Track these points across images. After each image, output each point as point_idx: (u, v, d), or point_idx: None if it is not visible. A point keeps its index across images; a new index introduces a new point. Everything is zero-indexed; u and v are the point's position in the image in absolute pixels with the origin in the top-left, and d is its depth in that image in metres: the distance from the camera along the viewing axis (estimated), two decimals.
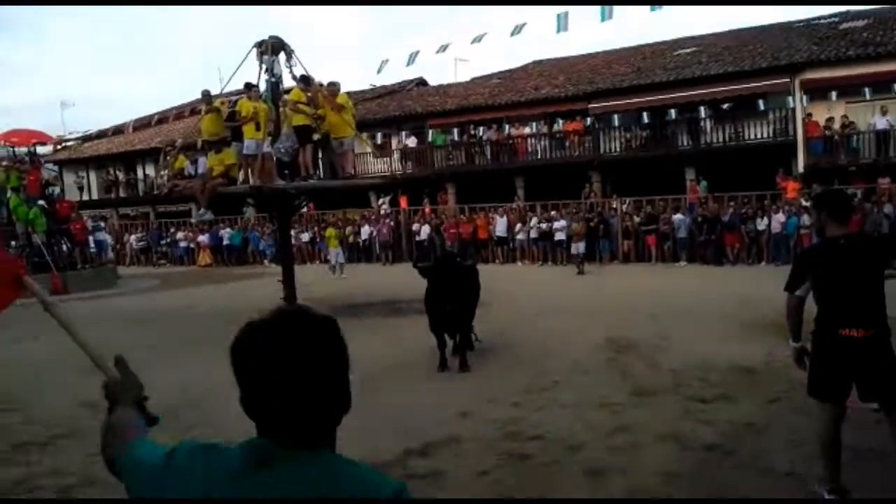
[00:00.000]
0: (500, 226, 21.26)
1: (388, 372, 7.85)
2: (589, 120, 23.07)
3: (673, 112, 22.05)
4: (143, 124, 35.25)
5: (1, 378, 8.25)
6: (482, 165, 24.70)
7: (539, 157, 23.94)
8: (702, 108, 21.56)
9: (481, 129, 25.21)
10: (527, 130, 24.34)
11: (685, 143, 21.89)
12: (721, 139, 21.44)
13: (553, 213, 20.76)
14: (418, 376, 7.64)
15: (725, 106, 21.50)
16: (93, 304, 15.12)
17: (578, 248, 18.38)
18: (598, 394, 6.52)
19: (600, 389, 6.68)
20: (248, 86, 12.10)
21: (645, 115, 22.58)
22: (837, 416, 3.86)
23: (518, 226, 20.92)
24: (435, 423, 5.83)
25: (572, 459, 4.95)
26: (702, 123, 21.73)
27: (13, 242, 20.09)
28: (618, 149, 22.91)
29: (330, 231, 21.87)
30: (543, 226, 20.26)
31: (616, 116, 22.67)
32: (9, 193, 19.82)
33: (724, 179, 19.55)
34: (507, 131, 24.77)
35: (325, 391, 1.20)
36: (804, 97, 20.15)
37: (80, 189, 33.25)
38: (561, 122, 23.89)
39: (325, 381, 1.20)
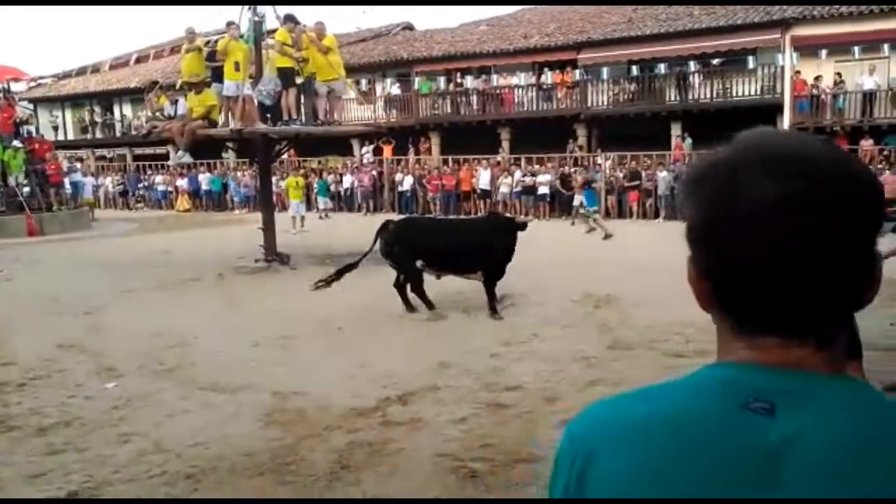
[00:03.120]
0: (483, 178, 21.13)
1: (368, 322, 7.87)
2: (578, 73, 22.78)
3: (662, 66, 21.82)
4: (120, 63, 34.24)
5: None
6: (468, 116, 24.40)
7: (525, 108, 23.68)
8: (691, 63, 21.35)
9: (468, 77, 24.81)
10: (514, 80, 24.00)
11: (673, 99, 21.74)
12: (709, 95, 21.30)
13: (537, 166, 20.64)
14: (398, 328, 7.66)
15: (715, 61, 21.30)
16: (69, 247, 14.94)
17: (582, 201, 17.74)
18: (575, 347, 6.59)
19: (578, 343, 6.75)
20: (230, 24, 11.74)
21: (634, 68, 22.33)
22: None
23: (501, 179, 20.80)
24: (414, 373, 5.87)
25: (549, 409, 5.01)
26: (690, 78, 21.55)
27: None
28: (605, 102, 22.71)
29: (290, 181, 19.34)
30: (527, 179, 20.17)
31: (605, 69, 22.40)
32: None
33: (709, 137, 19.43)
34: (494, 81, 24.42)
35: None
36: (794, 54, 20.01)
37: (55, 129, 32.43)
38: (549, 73, 23.56)
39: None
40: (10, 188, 19.17)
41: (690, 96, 21.52)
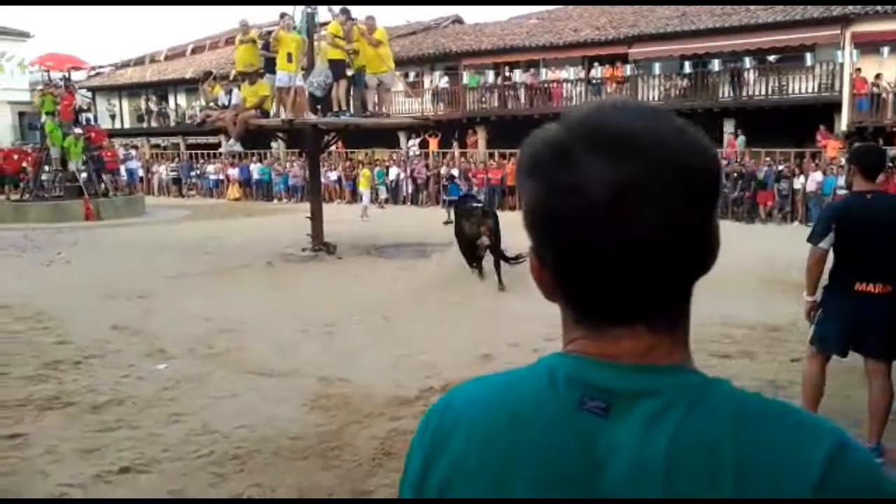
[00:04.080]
0: None
1: (412, 312, 7.92)
2: (629, 67, 22.45)
3: (716, 62, 21.34)
4: (177, 53, 35.02)
5: (36, 299, 8.47)
6: (515, 110, 24.27)
7: (574, 103, 23.44)
8: (746, 59, 20.83)
9: (517, 71, 24.67)
10: (563, 75, 23.78)
11: (726, 95, 21.26)
12: (764, 92, 20.77)
13: None
14: (443, 318, 7.67)
15: (772, 58, 20.74)
16: (123, 232, 15.36)
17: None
18: None
19: None
20: (283, 15, 11.92)
21: (686, 63, 21.90)
22: (824, 365, 4.02)
23: None
24: (456, 364, 5.88)
25: None
26: (745, 75, 21.03)
27: (47, 167, 20.42)
28: (656, 98, 22.32)
29: (365, 172, 21.74)
30: None
31: (657, 64, 22.01)
32: (44, 118, 19.99)
33: (763, 134, 19.02)
34: (543, 75, 24.23)
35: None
36: (854, 51, 19.35)
37: (112, 117, 33.40)
38: (599, 68, 23.28)
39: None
40: (68, 173, 19.85)
41: (745, 93, 20.99)
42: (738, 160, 18.93)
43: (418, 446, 0.75)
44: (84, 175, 19.89)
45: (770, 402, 0.67)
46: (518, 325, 7.21)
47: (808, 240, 3.97)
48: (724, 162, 18.79)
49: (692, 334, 0.73)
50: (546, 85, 24.04)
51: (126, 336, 6.86)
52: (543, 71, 24.26)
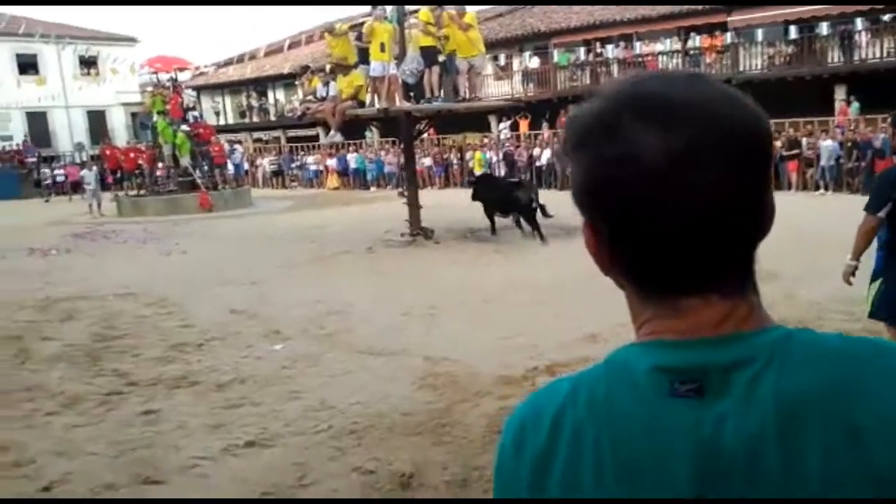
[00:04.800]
0: None
1: (512, 294, 7.95)
2: (728, 36, 21.45)
3: (824, 26, 20.05)
4: (274, 49, 36.25)
5: (158, 286, 9.07)
6: None
7: None
8: (858, 21, 19.44)
9: (609, 46, 24.06)
10: (658, 47, 23.00)
11: (836, 60, 19.94)
12: (878, 55, 19.34)
13: None
14: (544, 299, 7.65)
15: (886, 17, 19.27)
16: (233, 223, 16.13)
17: None
18: None
19: None
20: (374, 6, 12.11)
21: (792, 28, 20.69)
22: None
23: None
24: (561, 345, 5.88)
25: None
26: (857, 37, 19.65)
27: (160, 164, 21.70)
28: (759, 66, 21.25)
29: (478, 155, 22.12)
30: None
31: (759, 31, 20.91)
32: (155, 117, 21.23)
33: (878, 100, 17.73)
34: (637, 49, 23.53)
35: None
36: None
37: (217, 114, 35.06)
38: (697, 38, 22.36)
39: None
40: (180, 169, 21.01)
41: (857, 57, 19.62)
42: (852, 128, 17.76)
43: (514, 457, 0.72)
44: (195, 170, 21.01)
45: (860, 340, 0.66)
46: (624, 305, 7.08)
47: (865, 208, 3.87)
48: (836, 131, 17.71)
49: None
50: (640, 59, 23.32)
51: (243, 319, 7.25)
52: (637, 45, 23.56)
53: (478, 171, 21.15)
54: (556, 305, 7.37)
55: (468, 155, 23.98)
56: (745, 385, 0.62)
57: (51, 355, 6.26)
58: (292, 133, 31.65)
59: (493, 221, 12.58)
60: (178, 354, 6.14)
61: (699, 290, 0.66)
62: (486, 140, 24.45)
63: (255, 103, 34.67)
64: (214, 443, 4.29)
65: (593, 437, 0.67)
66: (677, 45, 22.74)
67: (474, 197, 12.57)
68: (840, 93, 19.70)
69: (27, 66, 33.87)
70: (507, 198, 12.09)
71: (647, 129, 0.63)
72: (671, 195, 0.62)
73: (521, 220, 12.25)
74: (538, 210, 11.79)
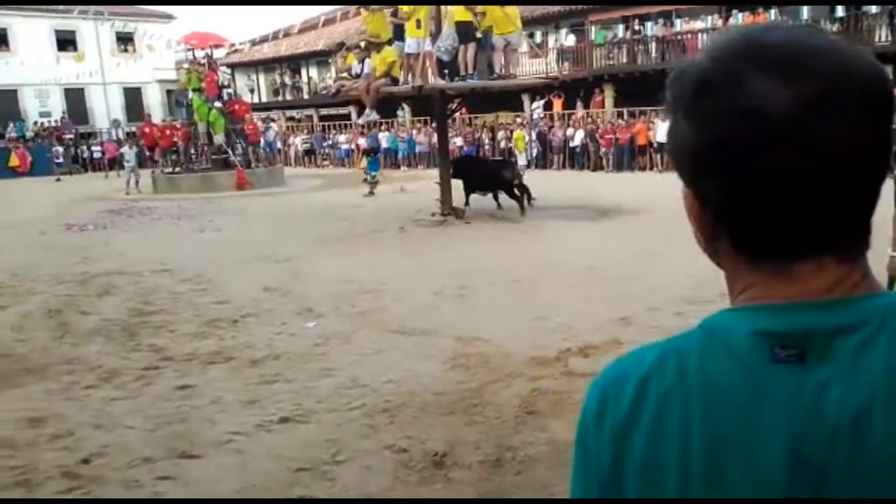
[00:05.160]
0: (661, 131, 20.14)
1: (544, 275, 7.89)
2: (772, 13, 20.85)
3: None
4: (309, 26, 36.22)
5: (193, 263, 9.18)
6: (645, 65, 23.25)
7: None
8: None
9: (648, 24, 23.56)
10: (699, 25, 22.46)
11: (884, 39, 19.29)
12: None
13: None
14: (575, 281, 7.58)
15: None
16: (266, 201, 16.27)
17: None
18: None
19: None
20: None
21: (839, 7, 20.04)
22: None
23: None
24: (594, 327, 5.81)
25: None
26: None
27: (195, 141, 21.91)
28: None
29: (519, 134, 21.92)
30: None
31: (804, 9, 20.28)
32: (190, 94, 21.39)
33: None
34: (677, 26, 23.01)
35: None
36: None
37: (252, 91, 35.23)
38: (740, 15, 21.76)
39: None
40: (214, 146, 21.19)
41: None
42: None
43: (595, 427, 0.69)
44: (229, 148, 21.18)
45: None
46: (657, 288, 7.00)
47: None
48: None
49: None
50: (680, 37, 22.83)
51: (276, 296, 7.30)
52: (678, 22, 23.04)
53: (519, 151, 21.01)
54: (588, 287, 7.29)
55: (501, 134, 23.79)
56: (852, 351, 0.60)
57: (89, 329, 6.38)
58: (325, 112, 31.72)
59: (468, 197, 13.47)
60: (213, 330, 6.20)
61: (815, 254, 0.63)
62: (518, 119, 24.21)
63: (288, 81, 34.78)
64: (249, 418, 4.33)
65: (681, 407, 0.64)
66: (719, 23, 22.17)
67: (453, 175, 12.99)
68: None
69: (66, 42, 34.38)
70: (489, 176, 13.07)
71: (772, 80, 0.59)
72: (800, 148, 0.59)
73: (503, 196, 13.12)
74: (523, 191, 12.92)
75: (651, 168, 20.31)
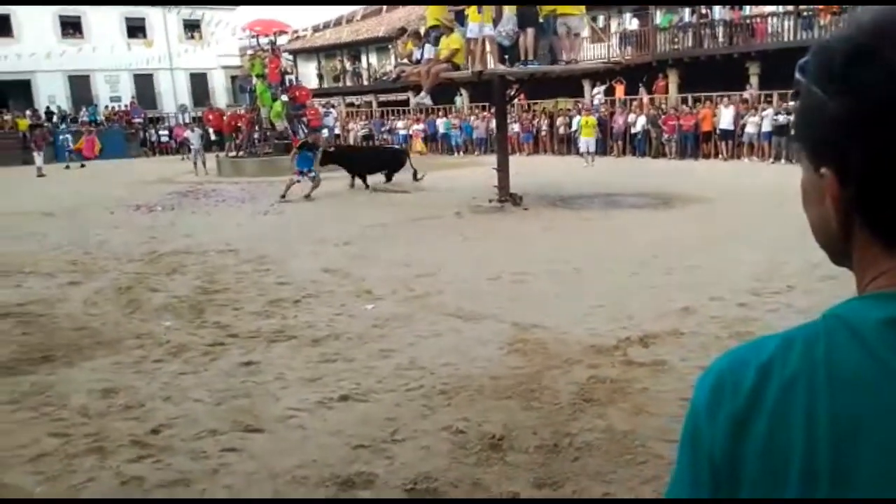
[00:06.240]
0: (725, 117, 19.57)
1: (602, 263, 7.79)
2: None
3: None
4: (371, 12, 36.41)
5: (257, 244, 9.41)
6: (712, 49, 22.58)
7: (782, 39, 21.31)
8: None
9: (715, 8, 22.85)
10: (768, 8, 21.66)
11: None
12: None
13: (793, 103, 18.51)
14: (635, 270, 7.45)
15: None
16: (325, 185, 16.40)
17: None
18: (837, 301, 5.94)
19: (843, 297, 6.07)
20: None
21: None
22: None
23: (748, 117, 19.08)
24: (654, 316, 5.72)
25: None
26: None
27: (257, 126, 22.36)
28: None
29: (583, 120, 21.36)
30: (780, 118, 18.29)
31: None
32: (254, 80, 21.82)
33: None
34: (746, 10, 22.24)
35: None
36: None
37: (320, 77, 35.73)
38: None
39: None
40: (277, 131, 21.59)
41: None
42: None
43: (709, 416, 0.66)
44: (291, 132, 21.55)
45: None
46: (719, 279, 6.84)
47: None
48: None
49: None
50: (749, 21, 22.08)
51: (336, 278, 7.43)
52: (746, 8, 22.27)
53: (585, 137, 20.76)
54: (649, 276, 7.17)
55: (560, 120, 23.50)
56: None
57: (158, 306, 6.62)
58: (384, 98, 31.92)
59: (364, 179, 15.76)
60: (276, 309, 6.36)
61: None
62: (578, 105, 23.87)
63: (348, 67, 35.09)
64: (310, 395, 4.43)
65: (807, 394, 0.62)
66: (790, 7, 21.35)
67: (323, 162, 14.85)
68: None
69: (136, 29, 35.52)
70: (373, 159, 16.55)
71: None
72: None
73: (389, 175, 15.85)
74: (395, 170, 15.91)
75: (716, 156, 19.76)
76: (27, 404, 4.42)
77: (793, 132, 0.67)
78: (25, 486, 3.45)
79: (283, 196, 14.20)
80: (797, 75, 0.66)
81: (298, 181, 14.37)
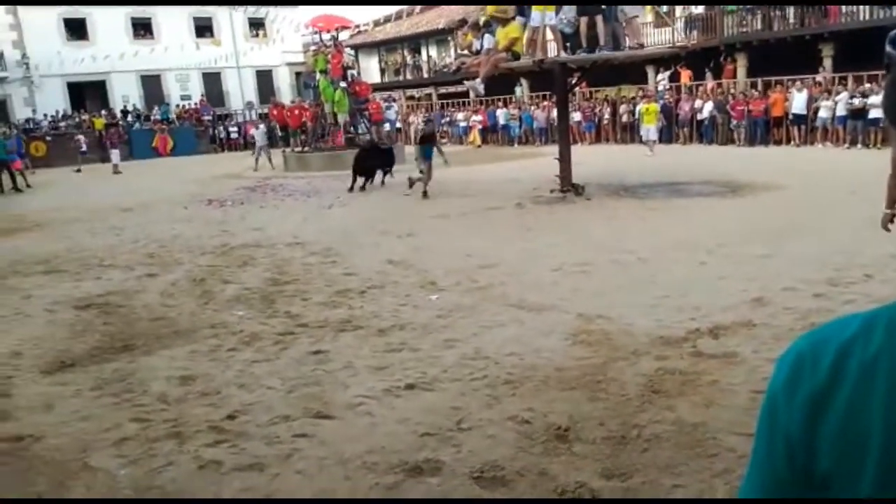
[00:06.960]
0: (798, 102, 18.83)
1: (669, 253, 7.65)
2: None
3: None
4: (431, 5, 36.50)
5: (324, 237, 9.62)
6: (782, 31, 21.73)
7: (857, 18, 20.34)
8: None
9: None
10: None
11: None
12: None
13: (869, 86, 17.77)
14: (704, 259, 7.28)
15: None
16: (387, 178, 16.61)
17: None
18: None
19: None
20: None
21: None
22: None
23: (821, 101, 18.32)
24: (724, 307, 5.59)
25: None
26: None
27: (322, 121, 22.73)
28: None
29: (644, 107, 20.90)
30: (856, 101, 17.50)
31: None
32: (317, 76, 22.17)
33: None
34: None
35: None
36: None
37: (382, 71, 36.10)
38: None
39: None
40: (339, 126, 21.91)
41: None
42: None
43: (787, 395, 0.66)
44: (353, 127, 21.83)
45: None
46: (791, 268, 6.63)
47: None
48: None
49: None
50: (822, 3, 21.12)
51: (400, 269, 7.53)
52: None
53: (647, 125, 20.30)
54: (718, 266, 7.00)
55: (623, 108, 23.09)
56: None
57: (231, 297, 6.85)
58: (443, 90, 31.96)
59: (354, 180, 15.18)
60: (343, 300, 6.49)
61: None
62: (641, 92, 23.37)
63: (409, 60, 35.30)
64: (377, 383, 4.51)
65: (889, 374, 0.60)
66: None
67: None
68: None
69: (203, 28, 36.60)
70: (376, 158, 16.00)
71: None
72: None
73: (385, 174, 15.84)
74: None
75: (788, 142, 19.06)
76: (110, 391, 4.65)
77: (882, 106, 0.65)
78: (110, 468, 3.62)
79: (424, 193, 13.10)
80: (888, 47, 0.64)
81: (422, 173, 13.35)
